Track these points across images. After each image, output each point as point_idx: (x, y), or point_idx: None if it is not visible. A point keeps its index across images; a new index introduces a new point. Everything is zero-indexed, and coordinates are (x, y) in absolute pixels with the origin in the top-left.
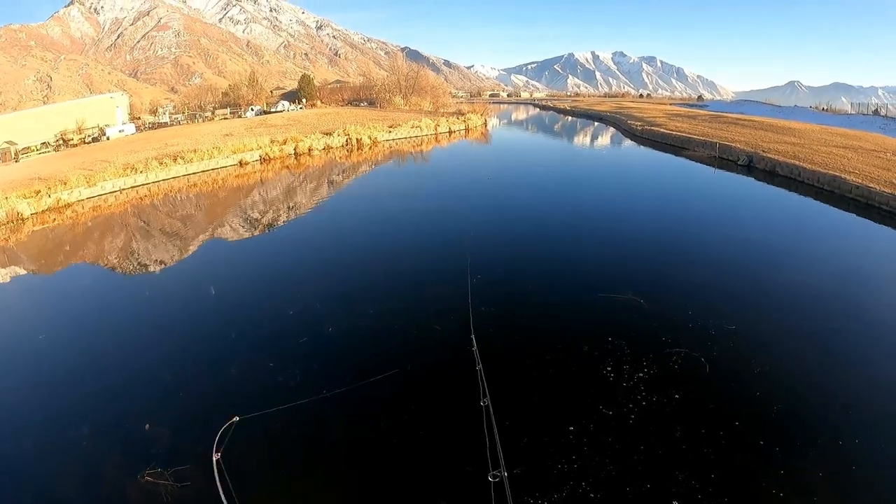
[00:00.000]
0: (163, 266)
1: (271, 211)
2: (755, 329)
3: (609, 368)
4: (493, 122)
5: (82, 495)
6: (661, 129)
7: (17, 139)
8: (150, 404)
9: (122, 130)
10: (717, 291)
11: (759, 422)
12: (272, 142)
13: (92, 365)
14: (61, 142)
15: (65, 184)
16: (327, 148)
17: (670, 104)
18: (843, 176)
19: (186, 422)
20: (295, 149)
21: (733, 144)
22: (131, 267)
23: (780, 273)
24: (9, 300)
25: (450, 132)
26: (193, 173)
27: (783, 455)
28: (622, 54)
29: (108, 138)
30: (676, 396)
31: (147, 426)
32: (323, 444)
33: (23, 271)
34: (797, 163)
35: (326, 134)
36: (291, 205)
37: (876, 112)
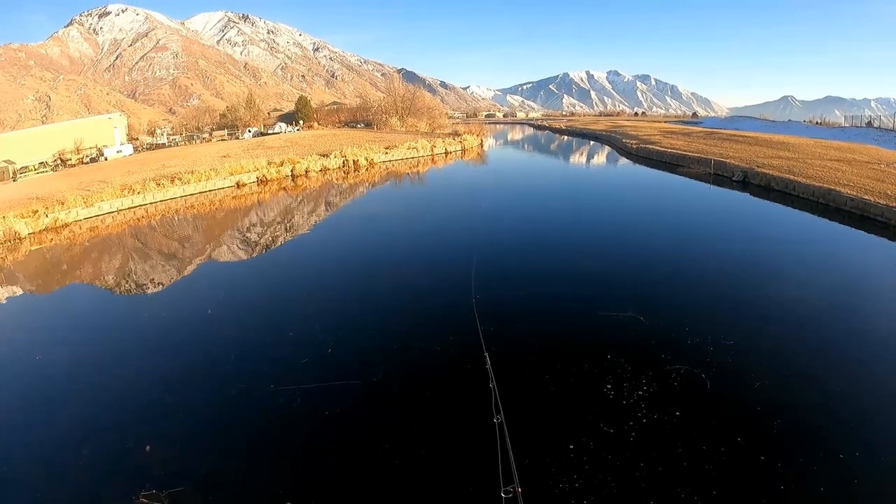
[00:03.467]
0: (160, 287)
1: (269, 232)
2: (754, 344)
3: (609, 386)
4: (489, 142)
5: None
6: (657, 147)
7: (15, 158)
8: (148, 426)
9: (120, 151)
10: (715, 307)
11: (761, 437)
12: (269, 163)
13: (89, 386)
14: (59, 162)
15: (62, 204)
16: (324, 169)
17: (665, 122)
18: (837, 189)
19: (183, 443)
20: (292, 170)
21: (728, 160)
22: (129, 288)
23: (778, 287)
24: (5, 320)
25: (446, 153)
26: (191, 194)
27: (785, 470)
28: (616, 73)
29: (105, 159)
30: (677, 413)
31: (147, 447)
32: (331, 465)
33: (20, 291)
34: (792, 177)
35: (323, 155)
36: (289, 226)
37: (869, 124)
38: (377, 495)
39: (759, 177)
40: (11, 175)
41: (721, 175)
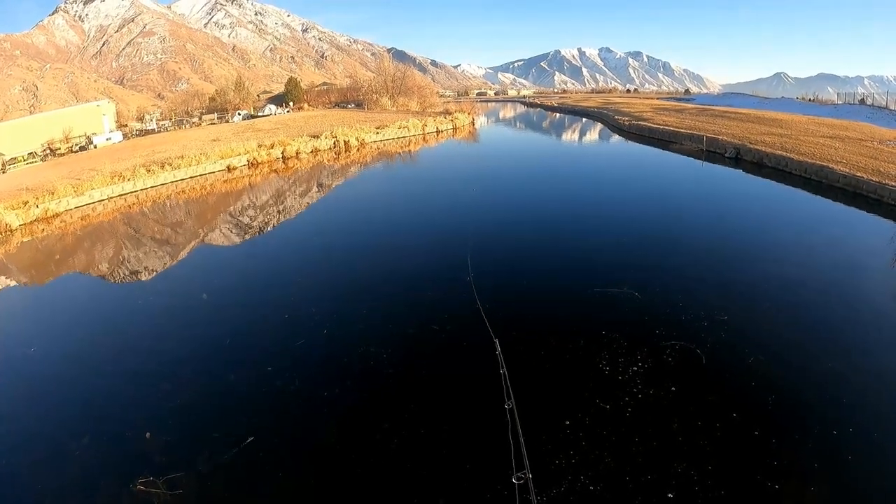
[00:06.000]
0: (154, 273)
1: (261, 216)
2: (748, 320)
3: (605, 362)
4: (480, 120)
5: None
6: (649, 124)
7: (3, 150)
8: (144, 413)
9: (110, 138)
10: (708, 283)
11: (755, 413)
12: (260, 146)
13: (85, 375)
14: (48, 151)
15: (52, 193)
16: (315, 151)
17: (657, 98)
18: (830, 166)
19: (180, 430)
20: (283, 152)
21: (720, 137)
22: (122, 275)
23: (771, 264)
24: None
25: (437, 132)
26: (181, 179)
27: (779, 446)
28: (608, 50)
29: (95, 146)
30: (672, 389)
31: (147, 434)
32: (331, 450)
33: (12, 283)
34: (784, 154)
35: (314, 137)
36: (281, 209)
37: (862, 101)
38: (383, 483)
39: (751, 153)
40: (1, 167)
41: (713, 151)
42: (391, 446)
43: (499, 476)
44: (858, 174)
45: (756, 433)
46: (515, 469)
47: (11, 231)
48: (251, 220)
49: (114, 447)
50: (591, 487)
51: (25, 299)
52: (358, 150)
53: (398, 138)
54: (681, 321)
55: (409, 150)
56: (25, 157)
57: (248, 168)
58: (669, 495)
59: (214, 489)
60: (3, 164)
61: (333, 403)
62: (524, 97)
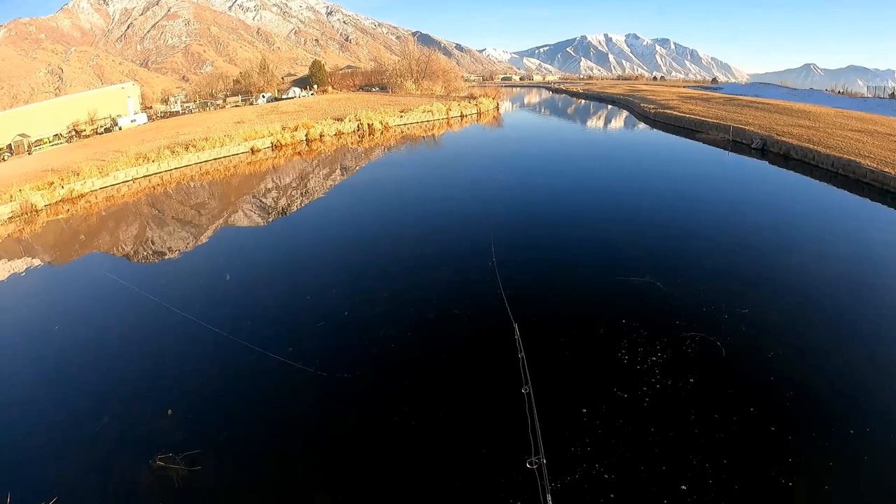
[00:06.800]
0: (177, 254)
1: (284, 197)
2: (769, 314)
3: (624, 351)
4: (505, 105)
5: (95, 480)
6: (675, 112)
7: (29, 132)
8: (165, 391)
9: (134, 120)
10: (730, 275)
11: (773, 408)
12: (284, 128)
13: (108, 353)
14: (74, 133)
15: (77, 174)
16: (339, 134)
17: (684, 87)
18: (858, 160)
19: (201, 408)
20: (307, 135)
21: (747, 127)
22: (145, 255)
23: (794, 257)
24: (24, 291)
25: (462, 116)
26: (205, 161)
27: (795, 443)
28: (635, 36)
29: (120, 128)
30: (691, 380)
31: (169, 411)
32: (349, 430)
33: (38, 262)
34: (812, 146)
35: (338, 120)
36: (304, 191)
37: (892, 95)
38: (399, 463)
39: (778, 145)
40: (26, 148)
41: (740, 142)
42: (409, 428)
43: (514, 460)
44: (886, 170)
45: (773, 428)
46: (529, 454)
47: (37, 211)
48: (274, 202)
49: (134, 424)
50: (606, 476)
51: (50, 278)
52: (382, 133)
53: (422, 122)
54: (702, 312)
55: (434, 135)
56: (51, 139)
57: (272, 150)
58: (683, 487)
59: (232, 466)
60: (29, 146)
61: (353, 385)
62: (549, 83)
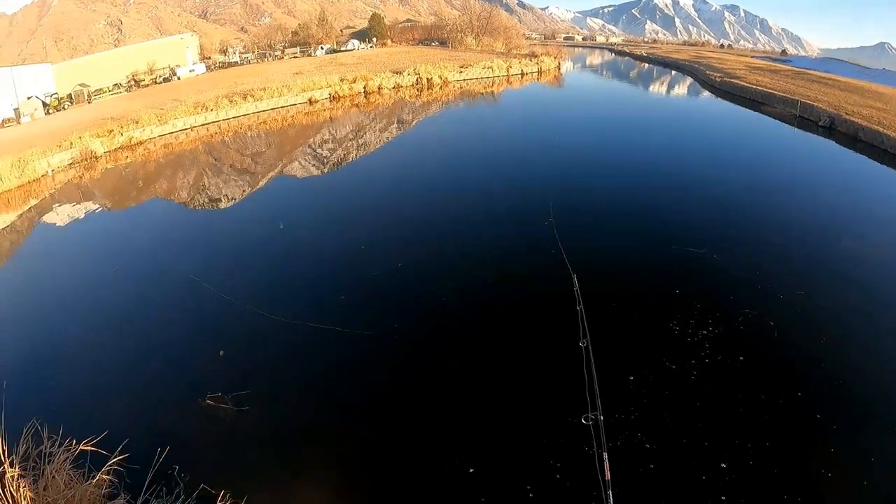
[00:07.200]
0: (232, 201)
1: (340, 149)
2: (827, 300)
3: (675, 321)
4: (566, 65)
5: (145, 416)
6: (741, 83)
7: (89, 82)
8: (219, 333)
9: (193, 70)
10: (791, 255)
11: (820, 396)
12: (342, 80)
13: (163, 294)
14: (133, 83)
15: (136, 122)
16: (397, 87)
17: (752, 57)
18: None
19: (252, 351)
20: (365, 87)
21: (815, 104)
22: (202, 202)
23: (858, 244)
24: (83, 235)
25: (522, 74)
26: (263, 111)
27: (839, 434)
28: (704, 1)
29: (178, 78)
30: (741, 358)
31: (221, 352)
32: (401, 377)
33: (96, 207)
34: (882, 129)
35: (396, 73)
36: (360, 143)
37: None
38: (452, 417)
39: (846, 125)
40: (87, 97)
41: (807, 118)
42: (463, 379)
43: (569, 415)
44: None
45: (818, 417)
46: (584, 409)
47: (96, 158)
48: (330, 152)
49: (187, 363)
50: (647, 445)
51: (108, 222)
52: (440, 88)
53: (482, 78)
54: (757, 290)
55: (493, 92)
56: (110, 89)
57: (330, 101)
58: (722, 465)
59: (278, 410)
60: (89, 95)
61: (405, 334)
62: (612, 44)
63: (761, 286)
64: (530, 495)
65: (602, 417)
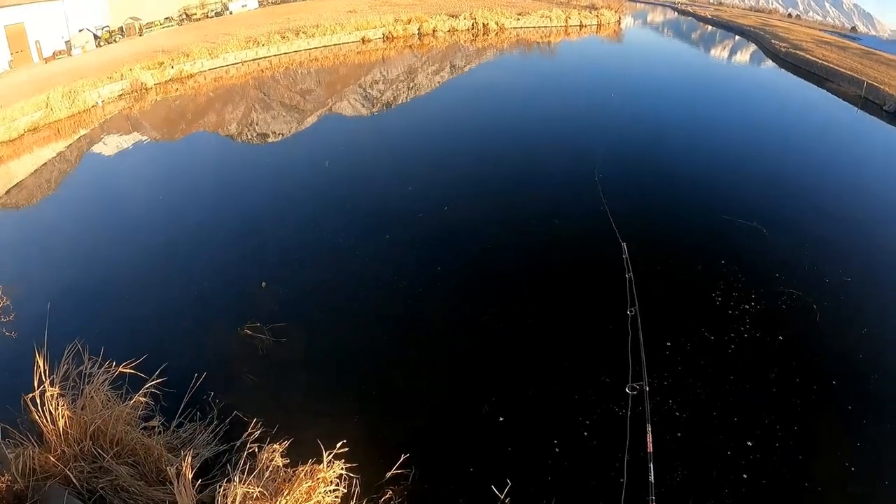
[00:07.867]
0: (280, 137)
1: (390, 90)
2: (874, 289)
3: (718, 293)
4: (627, 21)
5: (183, 343)
6: (807, 55)
7: (141, 15)
8: (262, 265)
9: (245, 5)
10: (841, 240)
11: (855, 386)
12: (396, 20)
13: (208, 226)
14: (184, 16)
15: (187, 56)
16: (452, 30)
17: (820, 29)
18: None
19: (294, 285)
20: (419, 29)
21: (882, 87)
22: (250, 136)
23: None
24: (132, 167)
25: (581, 26)
26: (315, 48)
27: (869, 428)
28: None
29: (230, 13)
30: (780, 338)
31: (263, 284)
32: (444, 329)
33: (145, 138)
34: None
35: (452, 16)
36: (412, 85)
37: None
38: (489, 366)
39: None
40: (138, 30)
41: (871, 101)
42: (503, 333)
43: (610, 382)
44: None
45: (850, 408)
46: (630, 380)
47: (146, 90)
48: (380, 93)
49: (229, 291)
50: (677, 414)
51: (156, 153)
52: (496, 34)
53: (539, 27)
54: (804, 271)
55: (549, 42)
56: (161, 22)
57: (383, 41)
58: (749, 443)
59: (316, 343)
60: (140, 28)
61: (445, 281)
62: (676, 2)
63: (808, 267)
64: (556, 450)
65: (647, 388)
